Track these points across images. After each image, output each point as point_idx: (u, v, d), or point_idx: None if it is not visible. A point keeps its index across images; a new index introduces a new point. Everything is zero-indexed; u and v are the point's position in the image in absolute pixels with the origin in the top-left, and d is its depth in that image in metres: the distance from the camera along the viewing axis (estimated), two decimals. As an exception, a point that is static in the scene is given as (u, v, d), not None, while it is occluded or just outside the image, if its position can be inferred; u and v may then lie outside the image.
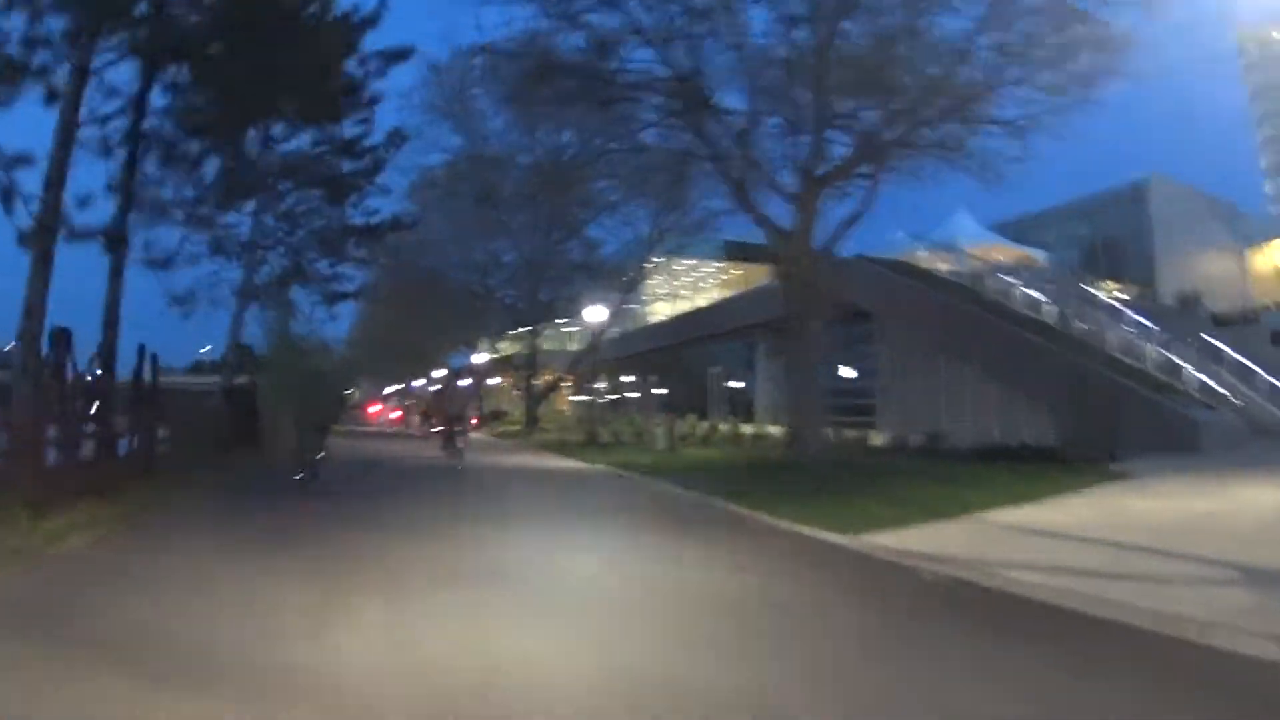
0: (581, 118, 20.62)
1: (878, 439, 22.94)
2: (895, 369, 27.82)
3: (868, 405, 28.70)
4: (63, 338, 11.27)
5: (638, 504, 12.23)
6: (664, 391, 50.43)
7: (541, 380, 40.67)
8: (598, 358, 40.02)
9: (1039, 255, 39.36)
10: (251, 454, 19.37)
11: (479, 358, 47.62)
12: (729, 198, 19.92)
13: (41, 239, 12.53)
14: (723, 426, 28.34)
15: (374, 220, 23.17)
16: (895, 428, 23.98)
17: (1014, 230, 43.12)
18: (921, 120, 16.84)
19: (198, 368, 55.25)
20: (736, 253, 61.10)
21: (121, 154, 15.35)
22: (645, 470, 16.29)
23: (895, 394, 27.49)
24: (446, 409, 21.64)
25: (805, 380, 17.94)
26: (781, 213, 18.81)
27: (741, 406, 39.57)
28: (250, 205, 22.96)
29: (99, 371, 13.79)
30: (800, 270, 18.10)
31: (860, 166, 18.12)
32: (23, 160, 12.71)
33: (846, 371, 30.80)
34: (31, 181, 12.64)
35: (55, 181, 12.80)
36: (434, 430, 25.75)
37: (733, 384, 44.63)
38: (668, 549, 8.29)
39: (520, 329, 42.52)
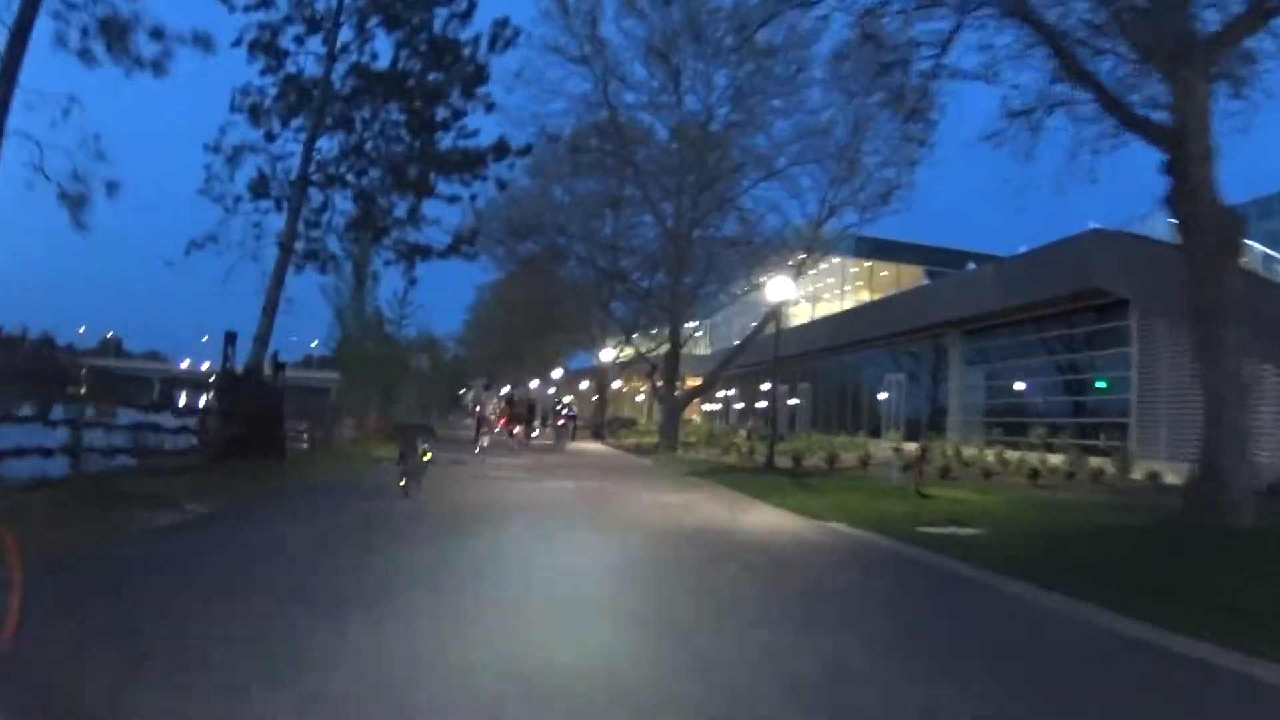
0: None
1: (1136, 468, 16.34)
2: (1167, 378, 18.70)
3: (1106, 424, 19.70)
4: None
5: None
6: (796, 402, 42.51)
7: (685, 386, 33.03)
8: (742, 360, 32.36)
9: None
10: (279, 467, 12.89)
11: (606, 354, 40.58)
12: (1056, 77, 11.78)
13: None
14: (968, 451, 19.81)
15: (472, 143, 16.21)
16: (1159, 454, 16.60)
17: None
18: None
19: (307, 362, 50.90)
20: (872, 251, 51.94)
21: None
22: (970, 550, 8.24)
23: (1162, 411, 18.32)
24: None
25: (1225, 384, 9.55)
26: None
27: (914, 422, 30.63)
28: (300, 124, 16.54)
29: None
30: (1198, 190, 9.82)
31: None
32: None
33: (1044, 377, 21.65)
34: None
35: None
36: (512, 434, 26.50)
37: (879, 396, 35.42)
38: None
39: (639, 327, 35.21)
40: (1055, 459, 17.46)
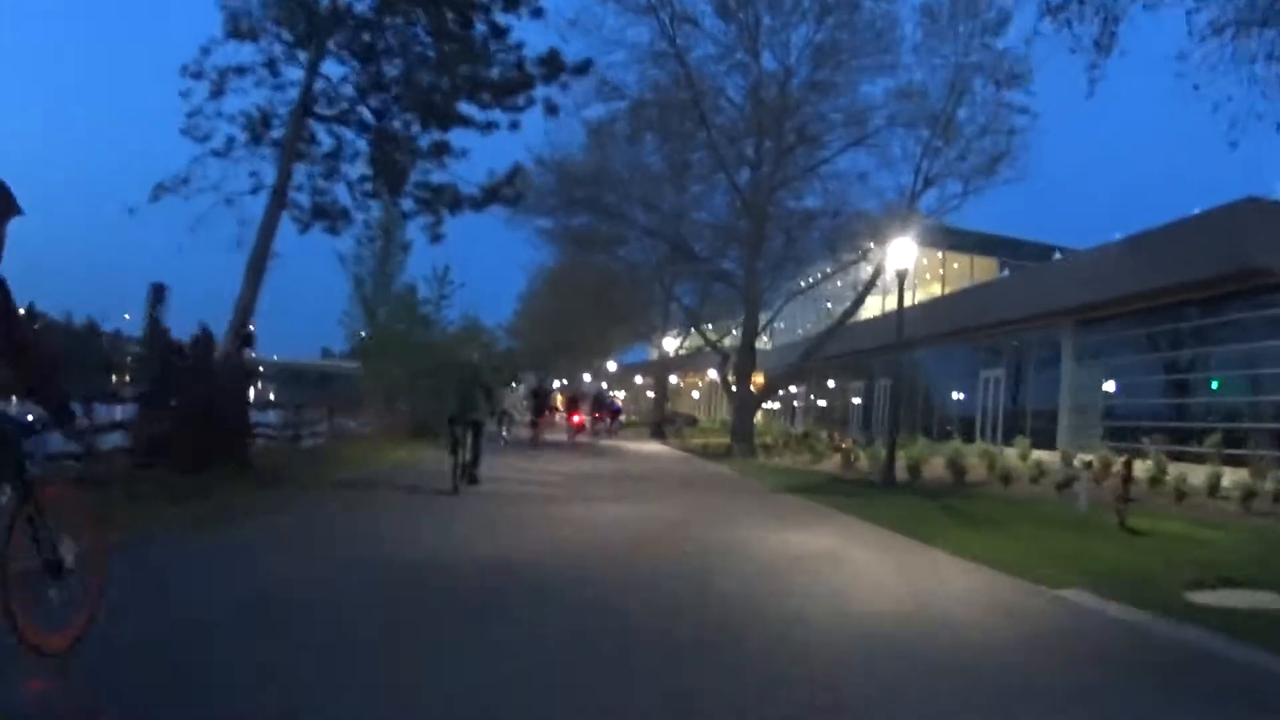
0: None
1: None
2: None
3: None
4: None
5: None
6: (858, 401, 38.36)
7: (762, 382, 29.00)
8: (819, 353, 28.22)
9: None
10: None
11: (668, 343, 36.80)
12: None
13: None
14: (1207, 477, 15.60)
15: (512, 58, 12.44)
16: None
17: None
18: None
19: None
20: (943, 241, 47.51)
21: None
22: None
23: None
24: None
25: None
26: None
27: (1014, 424, 26.15)
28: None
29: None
30: None
31: None
32: None
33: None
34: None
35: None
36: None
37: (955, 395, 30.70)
38: None
39: (704, 316, 31.22)
40: (1232, 474, 13.24)
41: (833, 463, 20.63)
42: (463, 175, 13.72)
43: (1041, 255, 35.98)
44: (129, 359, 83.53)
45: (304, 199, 14.17)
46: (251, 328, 11.02)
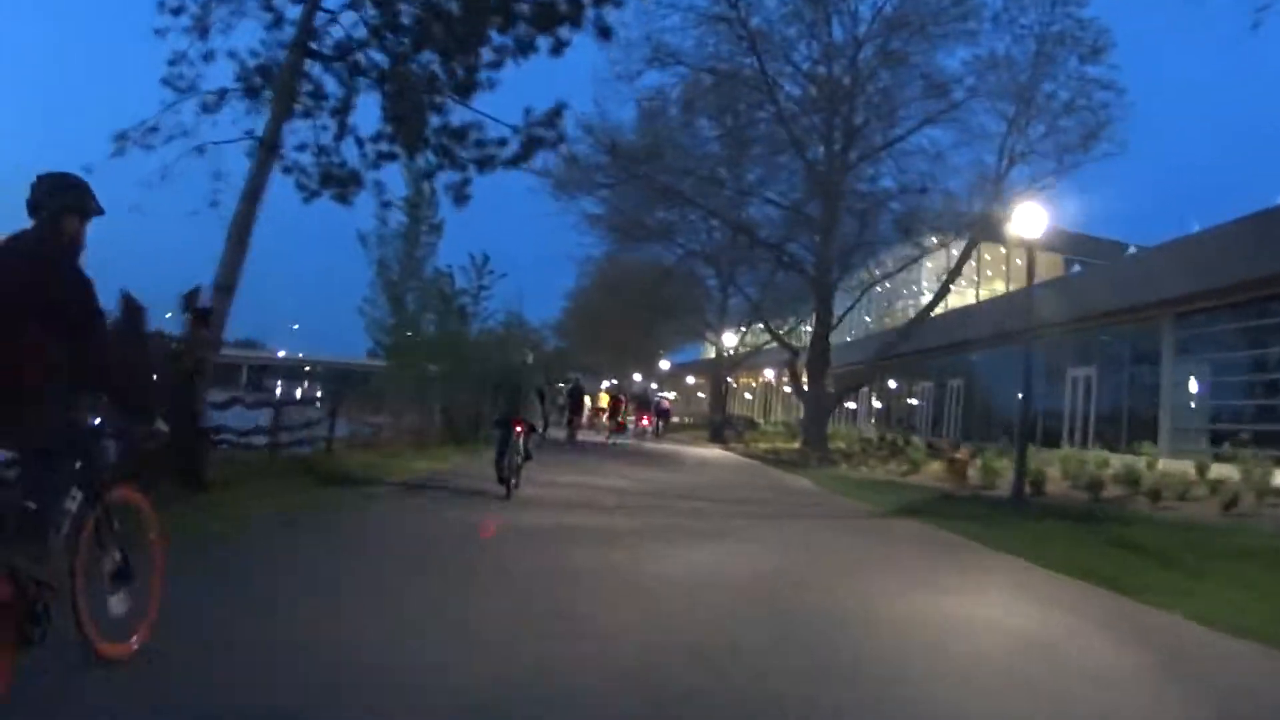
0: None
1: None
2: None
3: None
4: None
5: None
6: (916, 403, 36.18)
7: (836, 382, 25.97)
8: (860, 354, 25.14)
9: None
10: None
11: (728, 338, 34.09)
12: None
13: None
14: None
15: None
16: None
17: None
18: None
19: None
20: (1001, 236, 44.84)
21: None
22: None
23: None
24: None
25: None
26: None
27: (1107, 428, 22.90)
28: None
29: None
30: None
31: None
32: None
33: None
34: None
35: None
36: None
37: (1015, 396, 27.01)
38: None
39: (766, 311, 28.31)
40: None
41: (929, 473, 17.71)
42: (495, 128, 11.21)
43: (1111, 253, 33.52)
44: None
45: (309, 163, 11.85)
46: (201, 301, 8.49)
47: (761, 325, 30.12)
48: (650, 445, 26.38)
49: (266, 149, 10.11)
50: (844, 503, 12.60)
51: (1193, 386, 20.06)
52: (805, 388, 24.12)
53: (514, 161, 11.50)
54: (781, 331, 29.22)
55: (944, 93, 22.89)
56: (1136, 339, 22.43)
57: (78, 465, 3.00)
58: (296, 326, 79.86)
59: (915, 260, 25.91)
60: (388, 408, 16.70)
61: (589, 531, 8.05)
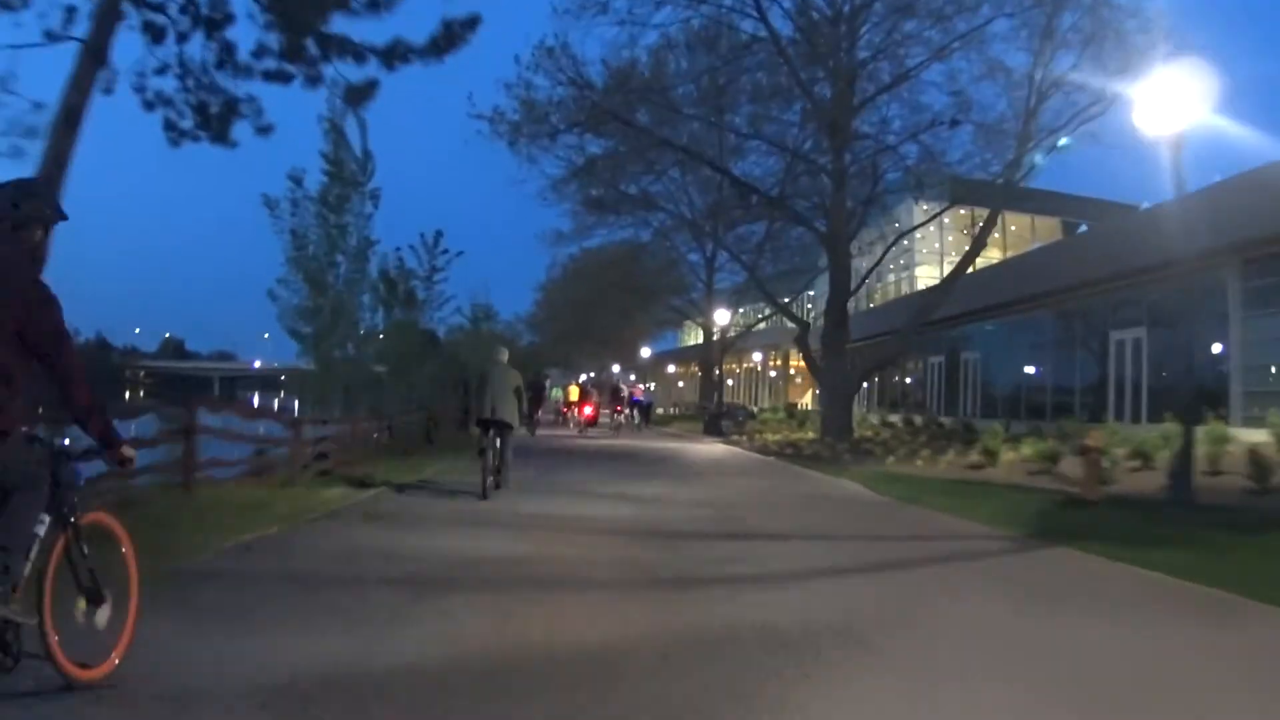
0: None
1: None
2: None
3: None
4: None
5: None
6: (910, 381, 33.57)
7: (854, 359, 22.17)
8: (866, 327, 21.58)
9: None
10: None
11: (721, 315, 30.43)
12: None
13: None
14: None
15: None
16: None
17: None
18: None
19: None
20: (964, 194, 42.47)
21: None
22: None
23: None
24: None
25: None
26: None
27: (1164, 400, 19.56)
28: None
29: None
30: None
31: None
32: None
33: None
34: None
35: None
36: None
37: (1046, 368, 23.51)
38: None
39: (754, 279, 24.54)
40: None
41: (1005, 464, 14.09)
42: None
43: (1113, 213, 31.12)
44: (140, 373, 78.38)
45: (172, 85, 8.39)
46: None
47: (761, 296, 26.38)
48: (639, 443, 22.58)
49: (90, 54, 6.51)
50: (933, 520, 8.85)
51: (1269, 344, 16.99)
52: (819, 366, 20.43)
53: (432, 51, 7.79)
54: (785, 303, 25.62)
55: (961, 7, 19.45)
56: (1194, 292, 19.14)
57: (46, 489, 2.95)
58: (267, 336, 76.27)
59: (944, 211, 22.35)
60: (312, 415, 12.59)
61: (585, 623, 4.20)
